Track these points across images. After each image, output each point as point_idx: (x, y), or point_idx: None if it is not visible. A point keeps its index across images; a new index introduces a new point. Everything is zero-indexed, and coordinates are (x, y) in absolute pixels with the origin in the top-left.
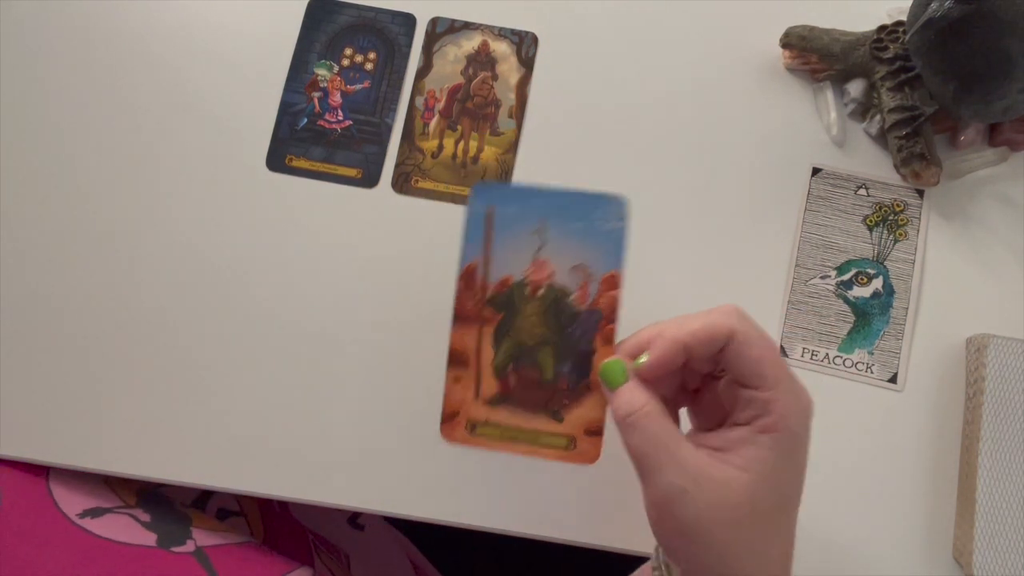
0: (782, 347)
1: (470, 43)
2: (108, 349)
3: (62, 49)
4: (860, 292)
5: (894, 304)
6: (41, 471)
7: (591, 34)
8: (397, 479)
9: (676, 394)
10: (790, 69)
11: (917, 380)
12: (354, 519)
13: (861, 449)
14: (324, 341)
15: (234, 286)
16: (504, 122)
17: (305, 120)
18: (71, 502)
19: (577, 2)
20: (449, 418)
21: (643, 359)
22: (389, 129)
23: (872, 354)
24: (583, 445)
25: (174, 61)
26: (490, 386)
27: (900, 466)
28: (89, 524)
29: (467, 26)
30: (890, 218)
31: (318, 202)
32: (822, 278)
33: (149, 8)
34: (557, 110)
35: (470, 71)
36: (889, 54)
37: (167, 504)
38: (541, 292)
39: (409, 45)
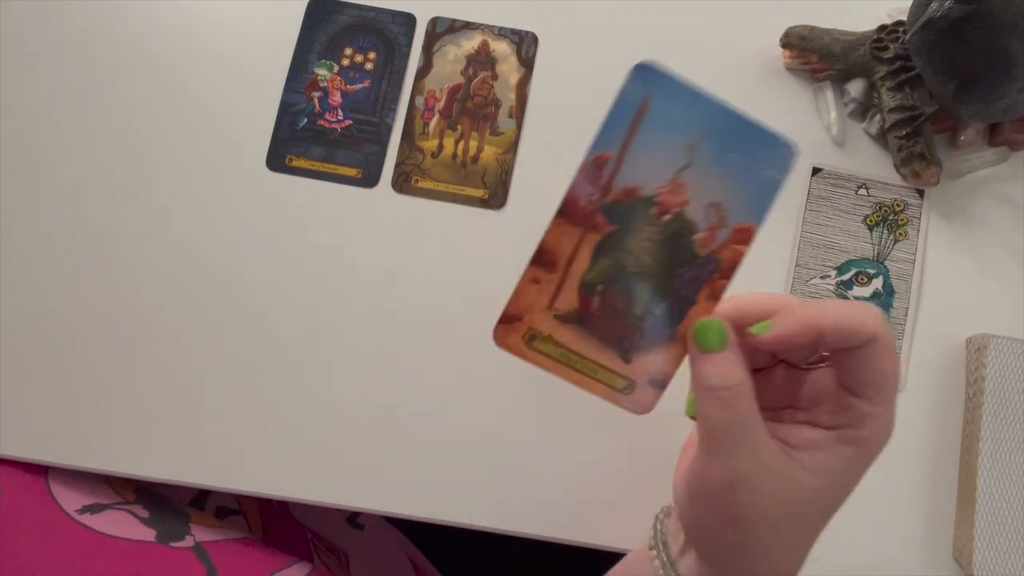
0: None
1: (470, 43)
2: (108, 349)
3: (62, 49)
4: (860, 292)
5: (894, 304)
6: (41, 468)
7: (591, 34)
8: (397, 479)
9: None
10: (790, 69)
11: (917, 380)
12: (353, 518)
13: None
14: (324, 341)
15: (234, 286)
16: (504, 122)
17: (305, 120)
18: (70, 498)
19: (577, 2)
20: (510, 319)
21: (767, 328)
22: (389, 129)
23: None
24: (641, 394)
25: (174, 61)
26: (569, 300)
27: (900, 466)
28: (88, 520)
29: (467, 26)
30: (890, 218)
31: (318, 202)
32: (822, 278)
33: (149, 8)
34: (557, 110)
35: (470, 71)
36: (889, 54)
37: (166, 501)
38: (667, 218)
39: (409, 45)
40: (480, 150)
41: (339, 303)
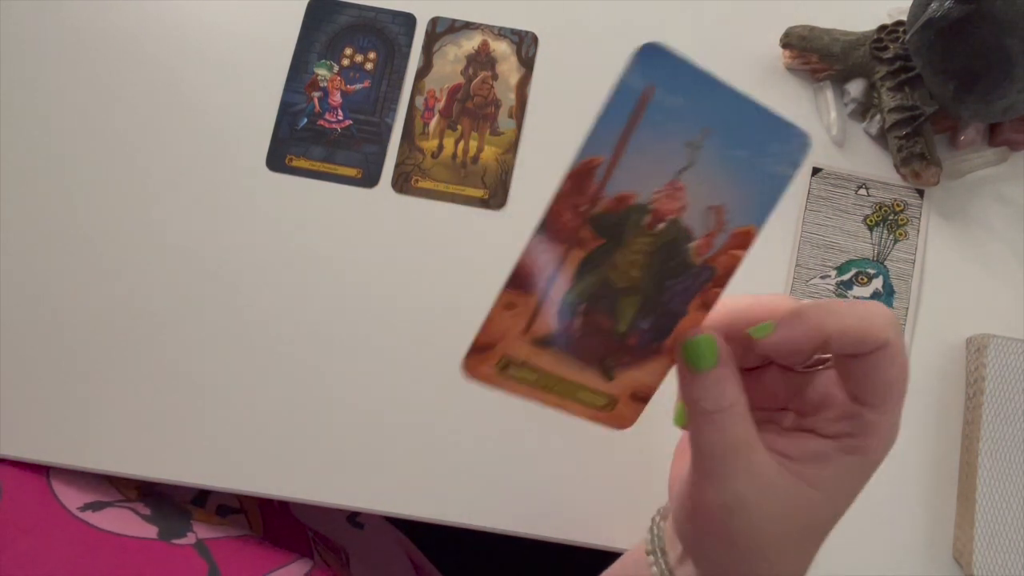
0: None
1: (470, 43)
2: (108, 349)
3: (61, 49)
4: (860, 292)
5: (894, 304)
6: (42, 467)
7: (591, 34)
8: (397, 479)
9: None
10: (790, 69)
11: (917, 380)
12: (353, 517)
13: None
14: (324, 341)
15: (234, 286)
16: (504, 122)
17: (305, 120)
18: (72, 496)
19: (577, 2)
20: (481, 349)
21: (768, 331)
22: (389, 129)
23: None
24: (622, 408)
25: (174, 61)
26: (548, 323)
27: (900, 466)
28: (90, 517)
29: (467, 26)
30: (890, 218)
31: (318, 202)
32: (822, 278)
33: (149, 9)
34: (557, 110)
35: (470, 71)
36: (889, 54)
37: (167, 499)
38: (661, 227)
39: (409, 45)
40: (480, 150)
41: (339, 303)
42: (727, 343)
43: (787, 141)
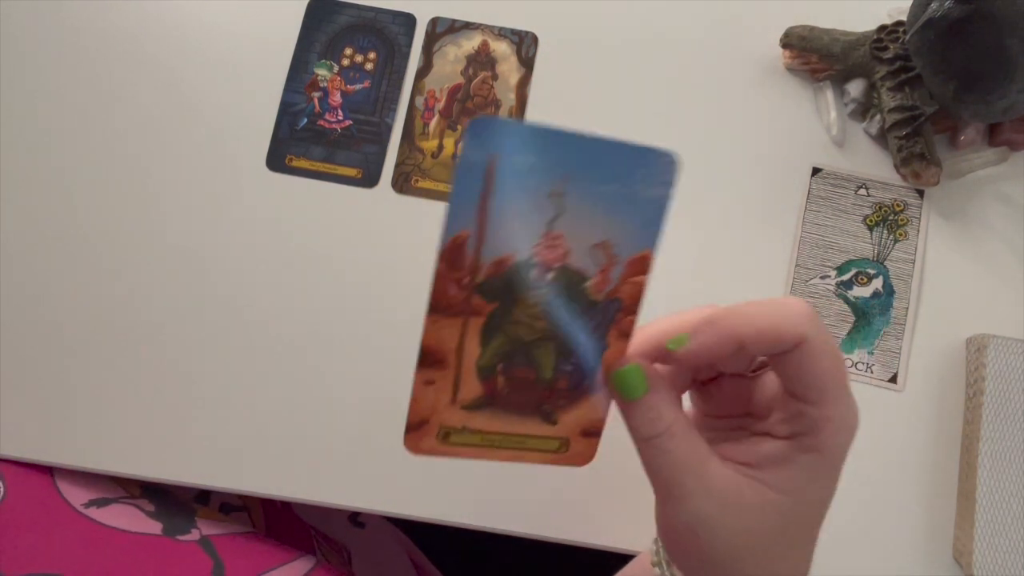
0: None
1: (470, 43)
2: (108, 350)
3: (61, 49)
4: (860, 292)
5: (894, 304)
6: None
7: (591, 34)
8: (397, 479)
9: (686, 384)
10: (790, 69)
11: (917, 380)
12: (355, 517)
13: (861, 449)
14: (324, 341)
15: (235, 287)
16: None
17: (305, 120)
18: (76, 493)
19: (577, 2)
20: (416, 427)
21: (683, 343)
22: (389, 129)
23: (872, 354)
24: (576, 446)
25: (173, 62)
26: (471, 389)
27: (900, 466)
28: (94, 513)
29: (467, 26)
30: (890, 218)
31: (318, 202)
32: (822, 278)
33: (149, 9)
34: (557, 110)
35: (470, 71)
36: (889, 54)
37: (171, 496)
38: (550, 276)
39: (409, 45)
40: None
41: (339, 303)
42: (663, 364)
43: (650, 164)
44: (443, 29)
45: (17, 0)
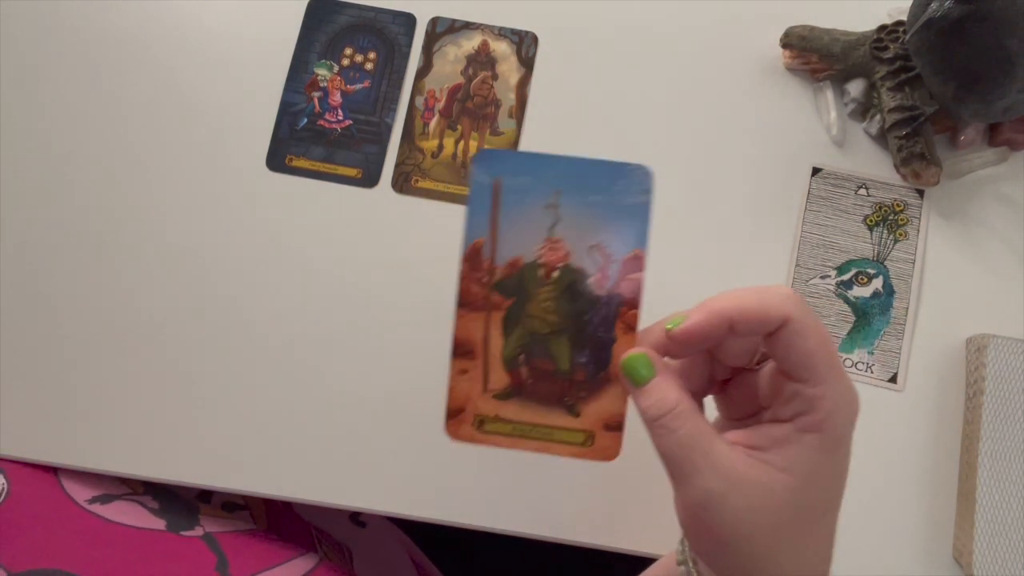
0: None
1: (470, 43)
2: (110, 350)
3: (61, 49)
4: (860, 292)
5: (894, 304)
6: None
7: (591, 34)
8: (398, 479)
9: (704, 385)
10: (790, 69)
11: (917, 380)
12: (355, 516)
13: (861, 449)
14: (324, 341)
15: (235, 286)
16: (504, 122)
17: (305, 120)
18: (80, 489)
19: (577, 2)
20: (455, 414)
21: (678, 323)
22: (389, 129)
23: (872, 354)
24: (602, 441)
25: (174, 62)
26: (499, 379)
27: (900, 466)
28: (99, 509)
29: (467, 26)
30: (890, 218)
31: (318, 202)
32: (822, 278)
33: (149, 9)
34: (557, 110)
35: (470, 71)
36: (889, 54)
37: (174, 493)
38: (555, 275)
39: (409, 45)
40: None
41: (339, 303)
42: (671, 357)
43: (628, 177)
44: (443, 29)
45: (17, 0)
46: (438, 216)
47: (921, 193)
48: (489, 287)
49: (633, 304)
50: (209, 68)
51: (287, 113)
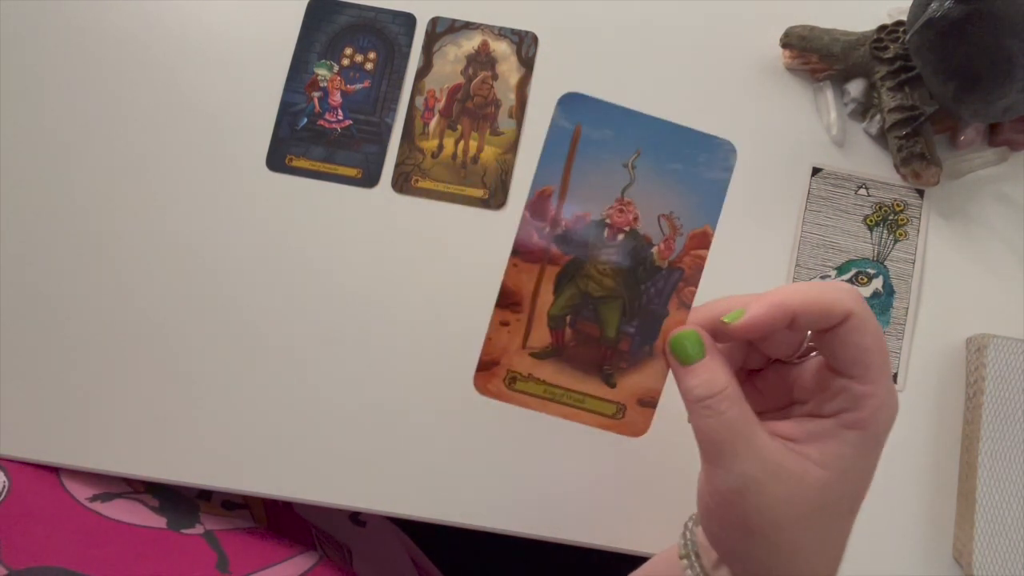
0: None
1: (470, 43)
2: (110, 350)
3: (61, 49)
4: (860, 292)
5: (894, 304)
6: None
7: (591, 34)
8: (398, 479)
9: (735, 373)
10: (790, 69)
11: (917, 380)
12: (355, 516)
13: None
14: (324, 341)
15: (235, 286)
16: (504, 122)
17: (305, 120)
18: (81, 487)
19: (577, 2)
20: (487, 367)
21: (738, 317)
22: (389, 129)
23: None
24: (632, 415)
25: (174, 62)
26: (541, 336)
27: (900, 466)
28: (99, 507)
29: (467, 26)
30: (890, 218)
31: (318, 202)
32: (822, 278)
33: (149, 9)
34: None
35: (470, 71)
36: (889, 54)
37: (175, 492)
38: (621, 238)
39: (409, 45)
40: (480, 150)
41: (339, 303)
42: (719, 342)
43: (713, 151)
44: (443, 29)
45: (17, 0)
46: (438, 216)
47: (921, 193)
48: (550, 239)
49: (693, 281)
50: (209, 68)
51: (287, 113)
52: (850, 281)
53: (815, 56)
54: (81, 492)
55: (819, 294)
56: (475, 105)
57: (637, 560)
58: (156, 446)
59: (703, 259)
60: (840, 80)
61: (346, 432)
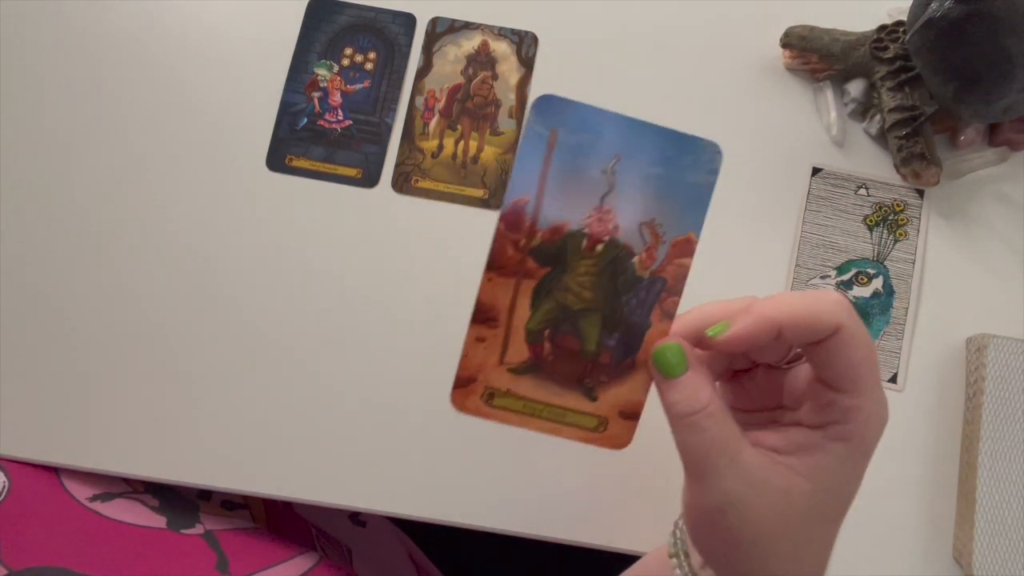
0: None
1: (470, 43)
2: (110, 350)
3: (61, 49)
4: (860, 292)
5: (894, 304)
6: None
7: (591, 34)
8: (398, 479)
9: (720, 373)
10: (790, 69)
11: (917, 380)
12: (355, 515)
13: None
14: (324, 341)
15: (234, 286)
16: (504, 122)
17: (305, 120)
18: (80, 487)
19: (577, 2)
20: (463, 383)
21: (723, 329)
22: (389, 129)
23: None
24: (615, 428)
25: (174, 62)
26: (519, 351)
27: (900, 466)
28: (99, 507)
29: (467, 26)
30: (890, 218)
31: (318, 202)
32: (822, 278)
33: (149, 9)
34: None
35: (470, 71)
36: (889, 54)
37: (175, 492)
38: (600, 248)
39: (409, 45)
40: (480, 150)
41: (339, 303)
42: (702, 349)
43: (697, 153)
44: (443, 29)
45: (17, 0)
46: (438, 216)
47: (921, 193)
48: (525, 252)
49: (676, 291)
50: (209, 68)
51: (287, 113)
52: (850, 281)
53: (815, 56)
54: (81, 492)
55: (807, 307)
56: (475, 105)
57: (636, 560)
58: (156, 446)
59: (687, 268)
60: (840, 80)
61: (346, 432)
